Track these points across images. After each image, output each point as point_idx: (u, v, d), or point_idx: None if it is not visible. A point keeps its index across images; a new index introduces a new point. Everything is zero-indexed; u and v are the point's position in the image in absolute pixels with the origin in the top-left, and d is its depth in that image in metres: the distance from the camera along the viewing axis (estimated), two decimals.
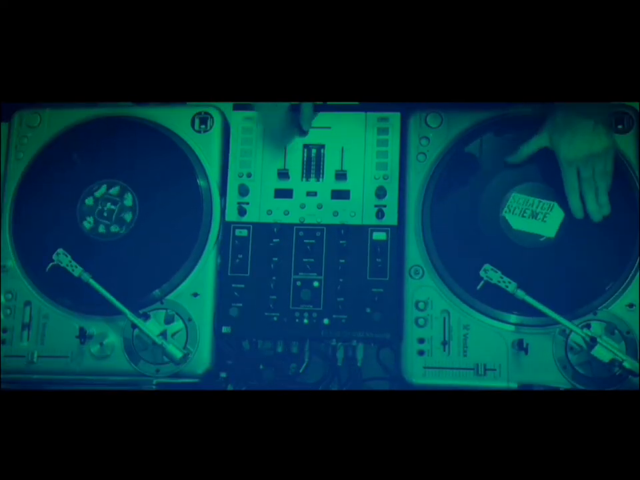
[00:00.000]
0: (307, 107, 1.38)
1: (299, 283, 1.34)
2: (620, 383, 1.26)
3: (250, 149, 1.41)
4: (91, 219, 1.40)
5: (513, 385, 1.28)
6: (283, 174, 1.39)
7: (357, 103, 1.39)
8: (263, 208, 1.39)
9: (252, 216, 1.38)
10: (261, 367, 1.38)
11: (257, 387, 1.39)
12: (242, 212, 1.38)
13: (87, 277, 1.32)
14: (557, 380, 1.27)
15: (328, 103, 1.40)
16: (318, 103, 1.39)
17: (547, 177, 1.33)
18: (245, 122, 1.42)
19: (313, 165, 1.39)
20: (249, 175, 1.40)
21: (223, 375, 1.39)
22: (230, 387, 1.40)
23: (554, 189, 1.32)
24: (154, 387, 1.32)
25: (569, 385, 1.27)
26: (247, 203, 1.39)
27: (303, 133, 1.40)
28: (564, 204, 1.32)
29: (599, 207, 1.29)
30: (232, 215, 1.38)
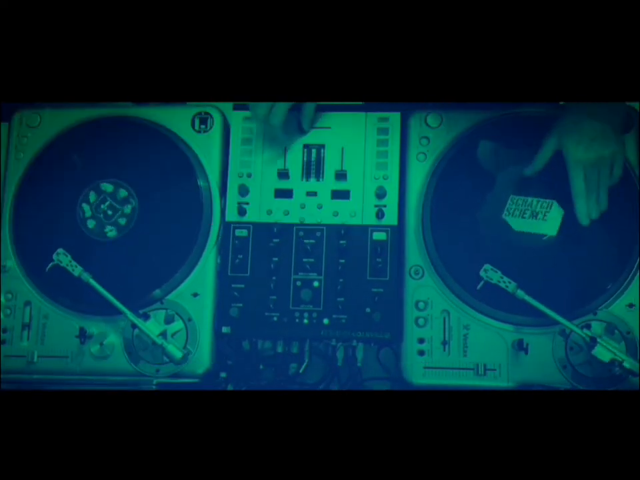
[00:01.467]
0: (308, 106, 1.38)
1: (298, 283, 1.34)
2: (620, 383, 1.26)
3: (250, 149, 1.41)
4: (91, 219, 1.40)
5: (513, 385, 1.27)
6: (283, 174, 1.39)
7: (360, 102, 1.39)
8: (263, 208, 1.39)
9: (252, 216, 1.38)
10: (261, 367, 1.38)
11: (256, 387, 1.38)
12: (242, 212, 1.38)
13: (87, 277, 1.32)
14: (557, 380, 1.27)
15: (330, 103, 1.40)
16: (321, 103, 1.39)
17: (546, 174, 1.32)
18: (245, 122, 1.42)
19: (313, 165, 1.39)
20: (249, 175, 1.40)
21: (223, 375, 1.39)
22: (230, 387, 1.40)
23: (552, 186, 1.32)
24: (154, 387, 1.32)
25: (569, 385, 1.27)
26: (247, 203, 1.39)
27: (304, 132, 1.40)
28: (562, 201, 1.31)
29: (597, 205, 1.28)
30: (232, 215, 1.39)
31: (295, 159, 1.40)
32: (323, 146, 1.40)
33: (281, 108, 1.31)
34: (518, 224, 1.33)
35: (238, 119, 1.42)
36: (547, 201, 1.33)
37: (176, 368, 1.33)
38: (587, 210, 1.27)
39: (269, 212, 1.38)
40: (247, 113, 1.42)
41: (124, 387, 1.33)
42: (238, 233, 1.37)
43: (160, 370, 1.34)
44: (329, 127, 1.40)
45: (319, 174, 1.39)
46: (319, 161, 1.39)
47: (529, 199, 1.33)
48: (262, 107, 1.32)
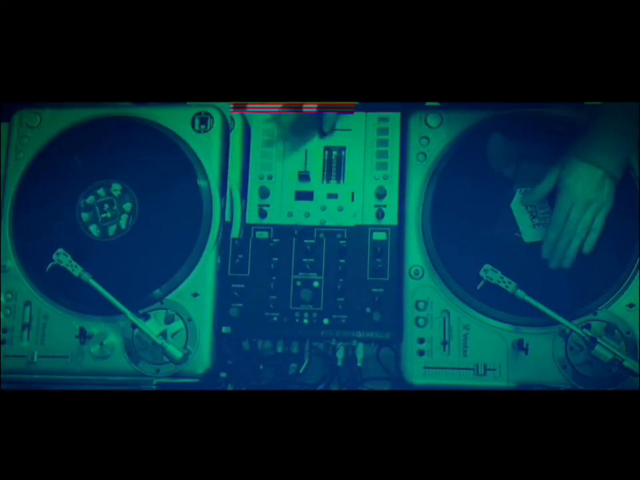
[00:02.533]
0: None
1: (298, 283, 1.34)
2: (620, 383, 1.25)
3: (271, 151, 1.41)
4: (90, 219, 1.40)
5: (513, 385, 1.27)
6: (304, 176, 1.39)
7: (357, 102, 1.39)
8: (284, 210, 1.39)
9: (273, 218, 1.38)
10: (261, 367, 1.38)
11: (257, 387, 1.38)
12: (263, 214, 1.38)
13: (87, 277, 1.32)
14: (557, 380, 1.27)
15: (330, 103, 1.38)
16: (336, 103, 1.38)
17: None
18: (265, 124, 1.42)
19: (334, 167, 1.39)
20: (270, 177, 1.40)
21: (223, 374, 1.39)
22: (230, 387, 1.40)
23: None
24: (154, 387, 1.32)
25: (569, 385, 1.27)
26: (268, 205, 1.39)
27: (324, 134, 1.40)
28: None
29: (562, 255, 1.28)
30: (253, 217, 1.38)
31: (316, 161, 1.40)
32: (344, 148, 1.40)
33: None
34: (517, 207, 1.33)
35: (259, 121, 1.42)
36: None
37: (176, 368, 1.33)
38: (553, 245, 1.28)
39: (290, 214, 1.38)
40: (267, 116, 1.41)
41: (124, 387, 1.32)
42: (259, 235, 1.37)
43: (160, 370, 1.34)
44: (350, 129, 1.40)
45: (339, 176, 1.39)
46: (340, 163, 1.39)
47: (546, 203, 1.33)
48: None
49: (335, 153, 1.40)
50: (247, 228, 1.38)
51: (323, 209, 1.37)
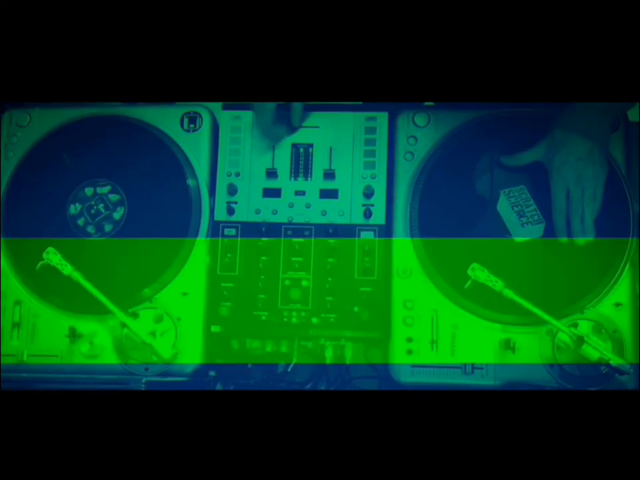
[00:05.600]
0: (297, 104, 1.38)
1: (287, 282, 1.34)
2: (607, 382, 1.26)
3: (238, 148, 1.41)
4: (80, 218, 1.40)
5: (500, 384, 1.28)
6: (272, 173, 1.39)
7: (360, 102, 1.40)
8: (252, 207, 1.39)
9: (240, 215, 1.39)
10: (249, 366, 1.38)
11: (245, 386, 1.39)
12: (231, 211, 1.38)
13: (77, 276, 1.33)
14: (544, 378, 1.27)
15: (321, 103, 1.40)
16: (325, 103, 1.40)
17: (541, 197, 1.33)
18: (234, 121, 1.43)
19: (302, 164, 1.40)
20: (238, 174, 1.40)
21: (212, 373, 1.38)
22: (219, 386, 1.40)
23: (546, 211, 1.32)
24: (143, 387, 1.32)
25: (556, 383, 1.27)
26: (236, 202, 1.39)
27: (293, 130, 1.40)
28: (548, 229, 1.31)
29: (583, 231, 1.28)
30: (221, 214, 1.39)
31: (283, 158, 1.40)
32: (311, 145, 1.40)
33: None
34: (504, 207, 1.33)
35: (227, 118, 1.43)
36: (540, 217, 1.33)
37: (165, 367, 1.33)
38: (566, 227, 1.28)
39: (258, 211, 1.38)
40: (235, 113, 1.42)
41: (113, 385, 1.33)
42: (227, 232, 1.38)
43: (149, 369, 1.34)
44: (318, 127, 1.41)
45: (307, 173, 1.39)
46: (307, 160, 1.39)
47: (531, 201, 1.33)
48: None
49: (302, 149, 1.40)
50: (214, 225, 1.38)
51: (291, 206, 1.38)
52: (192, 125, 1.43)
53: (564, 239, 1.29)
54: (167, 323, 1.35)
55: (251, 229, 1.37)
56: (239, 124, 1.42)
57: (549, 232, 1.31)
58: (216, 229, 1.38)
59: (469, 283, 1.27)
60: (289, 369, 1.37)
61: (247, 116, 1.42)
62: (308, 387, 1.39)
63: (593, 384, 1.26)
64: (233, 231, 1.37)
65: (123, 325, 1.33)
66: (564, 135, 1.28)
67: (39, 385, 1.34)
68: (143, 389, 1.32)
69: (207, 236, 1.39)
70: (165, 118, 1.44)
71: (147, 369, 1.34)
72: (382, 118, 1.40)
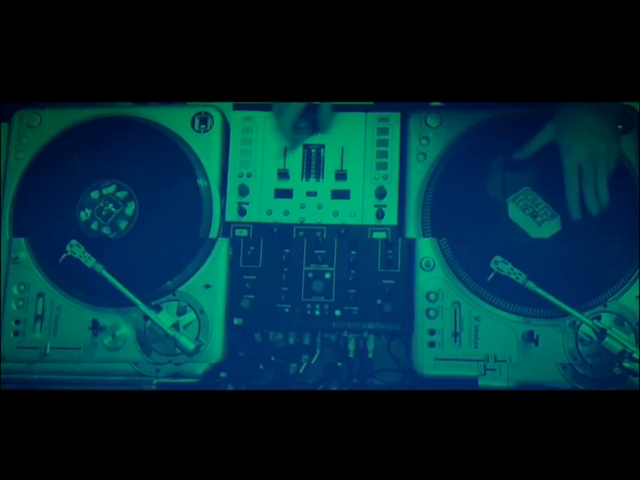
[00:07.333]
0: (325, 106, 1.38)
1: (310, 275, 1.35)
2: (620, 383, 1.26)
3: (250, 149, 1.42)
4: (92, 222, 1.40)
5: (513, 385, 1.28)
6: (283, 174, 1.39)
7: (372, 102, 1.40)
8: (263, 208, 1.39)
9: (252, 216, 1.39)
10: (261, 367, 1.39)
11: (257, 387, 1.38)
12: (242, 212, 1.39)
13: (100, 268, 1.33)
14: (558, 380, 1.28)
15: (332, 102, 1.39)
16: (337, 103, 1.39)
17: (553, 189, 1.33)
18: (245, 122, 1.43)
19: (313, 165, 1.40)
20: (249, 175, 1.41)
21: (223, 375, 1.38)
22: (230, 387, 1.39)
23: (560, 202, 1.32)
24: (154, 387, 1.32)
25: (569, 385, 1.27)
26: (247, 203, 1.39)
27: (318, 132, 1.41)
28: (565, 219, 1.32)
29: (596, 199, 1.28)
30: (232, 215, 1.39)
31: (295, 158, 1.41)
32: (323, 146, 1.40)
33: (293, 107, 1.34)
34: (515, 213, 1.34)
35: (238, 118, 1.43)
36: (553, 211, 1.33)
37: (176, 368, 1.33)
38: (578, 202, 1.28)
39: (269, 212, 1.39)
40: (247, 113, 1.42)
41: (124, 386, 1.32)
42: (238, 233, 1.38)
43: (160, 370, 1.34)
44: (329, 127, 1.41)
45: (318, 174, 1.40)
46: (319, 161, 1.40)
47: (539, 199, 1.34)
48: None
49: (313, 150, 1.40)
50: (226, 226, 1.39)
51: (302, 207, 1.38)
52: (203, 126, 1.43)
53: (577, 216, 1.28)
54: (190, 316, 1.35)
55: (263, 230, 1.37)
56: (250, 124, 1.42)
57: (566, 221, 1.32)
58: (227, 230, 1.38)
59: (492, 275, 1.28)
60: (312, 361, 1.37)
61: (258, 116, 1.42)
62: (332, 379, 1.39)
63: (606, 385, 1.27)
64: (245, 232, 1.38)
65: (146, 318, 1.33)
66: (573, 112, 1.27)
67: (50, 386, 1.33)
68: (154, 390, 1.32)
69: (218, 237, 1.39)
70: (175, 118, 1.44)
71: (157, 370, 1.34)
72: (394, 119, 1.40)
